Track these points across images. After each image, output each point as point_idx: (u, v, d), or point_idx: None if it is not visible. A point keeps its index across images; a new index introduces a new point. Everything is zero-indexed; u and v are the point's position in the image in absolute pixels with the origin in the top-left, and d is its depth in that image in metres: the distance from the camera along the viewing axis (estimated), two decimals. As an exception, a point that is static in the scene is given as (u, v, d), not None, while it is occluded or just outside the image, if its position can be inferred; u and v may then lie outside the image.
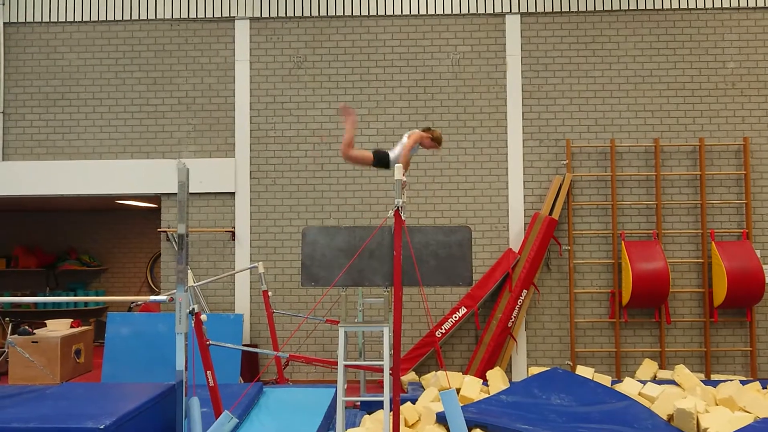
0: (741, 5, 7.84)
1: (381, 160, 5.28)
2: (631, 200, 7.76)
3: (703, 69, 7.86)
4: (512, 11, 7.91)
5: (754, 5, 7.83)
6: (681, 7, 7.87)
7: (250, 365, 7.41)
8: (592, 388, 5.93)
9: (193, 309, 4.33)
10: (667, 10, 7.88)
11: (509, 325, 7.38)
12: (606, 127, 7.85)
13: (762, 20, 7.85)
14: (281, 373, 6.83)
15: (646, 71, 7.87)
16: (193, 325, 4.37)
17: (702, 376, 7.35)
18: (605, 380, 6.45)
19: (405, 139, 5.21)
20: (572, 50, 7.91)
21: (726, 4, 7.85)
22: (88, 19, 8.05)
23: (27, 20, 8.07)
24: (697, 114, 7.84)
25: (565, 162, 7.74)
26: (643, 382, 6.30)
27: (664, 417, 5.40)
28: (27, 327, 8.17)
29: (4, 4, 8.05)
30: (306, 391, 6.10)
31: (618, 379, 6.93)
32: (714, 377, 7.32)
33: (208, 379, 4.48)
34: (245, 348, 5.70)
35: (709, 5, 7.87)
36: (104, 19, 8.04)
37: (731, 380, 6.42)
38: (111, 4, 8.04)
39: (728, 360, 7.66)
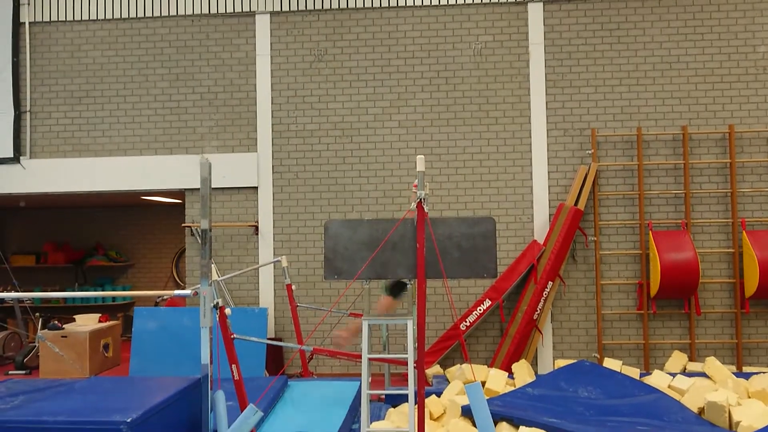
0: (772, -13, 7.63)
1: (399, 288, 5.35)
2: (658, 189, 7.61)
3: (732, 54, 7.66)
4: (535, -1, 7.80)
5: (786, -13, 7.61)
6: (709, -10, 7.68)
7: (275, 358, 7.45)
8: (620, 380, 5.84)
9: (218, 303, 4.35)
10: (695, -6, 7.70)
11: (535, 318, 7.30)
12: (632, 115, 7.70)
13: (794, 2, 7.63)
14: (306, 366, 6.84)
15: (673, 57, 7.70)
16: (217, 319, 4.39)
17: (733, 368, 7.19)
18: (633, 373, 6.34)
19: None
20: (596, 37, 7.77)
21: (756, -13, 7.65)
22: (111, 17, 8.12)
23: (51, 19, 8.17)
24: (726, 100, 7.65)
25: (590, 151, 7.62)
26: (673, 375, 6.19)
27: (695, 410, 5.30)
28: (56, 322, 8.31)
29: (29, 4, 8.16)
30: (331, 385, 6.10)
31: (647, 372, 6.81)
32: (746, 369, 7.16)
33: (233, 372, 4.49)
34: (270, 342, 5.71)
35: (738, -12, 7.67)
36: (126, 16, 8.11)
37: (764, 372, 6.27)
38: (133, 2, 8.10)
39: (761, 351, 7.49)
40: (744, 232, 7.29)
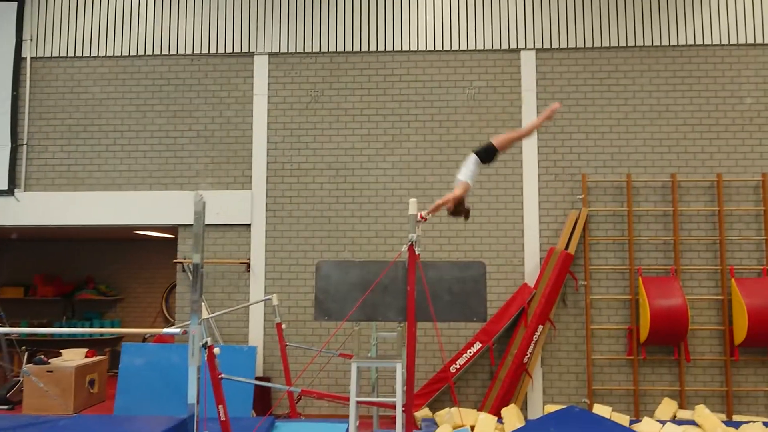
0: (757, 41, 7.85)
1: (489, 153, 4.82)
2: (648, 235, 7.69)
3: (719, 104, 7.85)
4: (527, 47, 7.99)
5: (771, 42, 7.84)
6: (697, 43, 7.90)
7: (263, 398, 7.37)
8: (610, 427, 5.79)
9: (207, 342, 4.34)
10: (683, 46, 7.91)
11: (525, 361, 7.28)
12: (622, 161, 7.83)
13: (779, 56, 7.85)
14: (293, 407, 6.77)
15: (662, 106, 7.87)
16: (206, 358, 4.37)
17: (723, 416, 7.17)
18: (623, 419, 6.31)
19: (464, 177, 4.77)
20: (587, 85, 7.95)
21: (742, 41, 7.87)
22: (112, 54, 8.26)
23: (53, 55, 8.30)
24: (714, 149, 7.80)
25: (580, 196, 7.72)
26: (663, 422, 6.16)
27: (684, 459, 5.26)
28: (42, 356, 8.21)
29: (31, 40, 8.30)
30: (318, 426, 6.05)
31: (636, 419, 6.78)
32: (736, 418, 7.14)
33: (219, 413, 4.46)
34: (257, 383, 5.68)
35: (725, 41, 7.89)
36: (127, 54, 8.25)
37: (754, 421, 6.25)
38: (134, 40, 8.25)
39: (750, 400, 7.47)
40: (732, 279, 7.36)
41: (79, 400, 7.83)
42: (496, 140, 4.89)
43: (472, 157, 4.81)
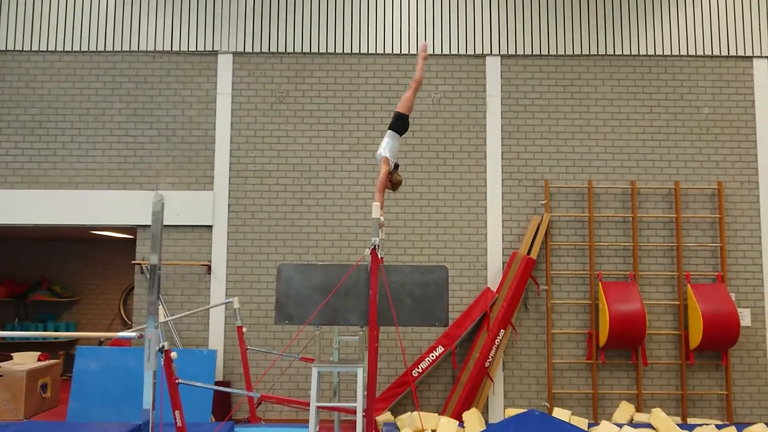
0: (714, 53, 8.06)
1: (401, 122, 5.25)
2: (608, 241, 7.81)
3: (678, 114, 8.03)
4: (493, 53, 8.05)
5: (726, 54, 8.06)
6: (657, 53, 8.07)
7: (222, 402, 7.24)
8: (569, 431, 5.85)
9: (163, 346, 4.23)
10: (644, 56, 8.07)
11: (486, 365, 7.31)
12: (584, 168, 7.94)
13: (734, 68, 8.07)
14: (253, 412, 6.67)
15: (623, 114, 8.02)
16: (162, 362, 4.27)
17: (678, 419, 7.30)
18: (582, 423, 6.38)
19: (384, 151, 5.15)
20: (551, 92, 8.04)
21: (700, 52, 8.07)
22: (70, 49, 8.03)
23: (8, 48, 8.03)
24: (672, 158, 7.97)
25: (543, 202, 7.80)
26: (620, 425, 6.24)
27: (641, 462, 5.33)
28: (-8, 360, 7.94)
29: (-15, 32, 8.02)
30: (278, 431, 5.96)
31: (595, 422, 6.86)
32: (690, 421, 7.29)
33: (176, 419, 4.35)
34: (216, 387, 5.58)
35: (683, 52, 8.08)
36: (86, 49, 8.03)
37: (707, 424, 6.39)
38: (93, 35, 8.04)
39: (704, 403, 7.65)
40: (689, 285, 7.52)
41: (30, 405, 7.57)
42: (402, 107, 5.28)
43: (389, 133, 5.22)
